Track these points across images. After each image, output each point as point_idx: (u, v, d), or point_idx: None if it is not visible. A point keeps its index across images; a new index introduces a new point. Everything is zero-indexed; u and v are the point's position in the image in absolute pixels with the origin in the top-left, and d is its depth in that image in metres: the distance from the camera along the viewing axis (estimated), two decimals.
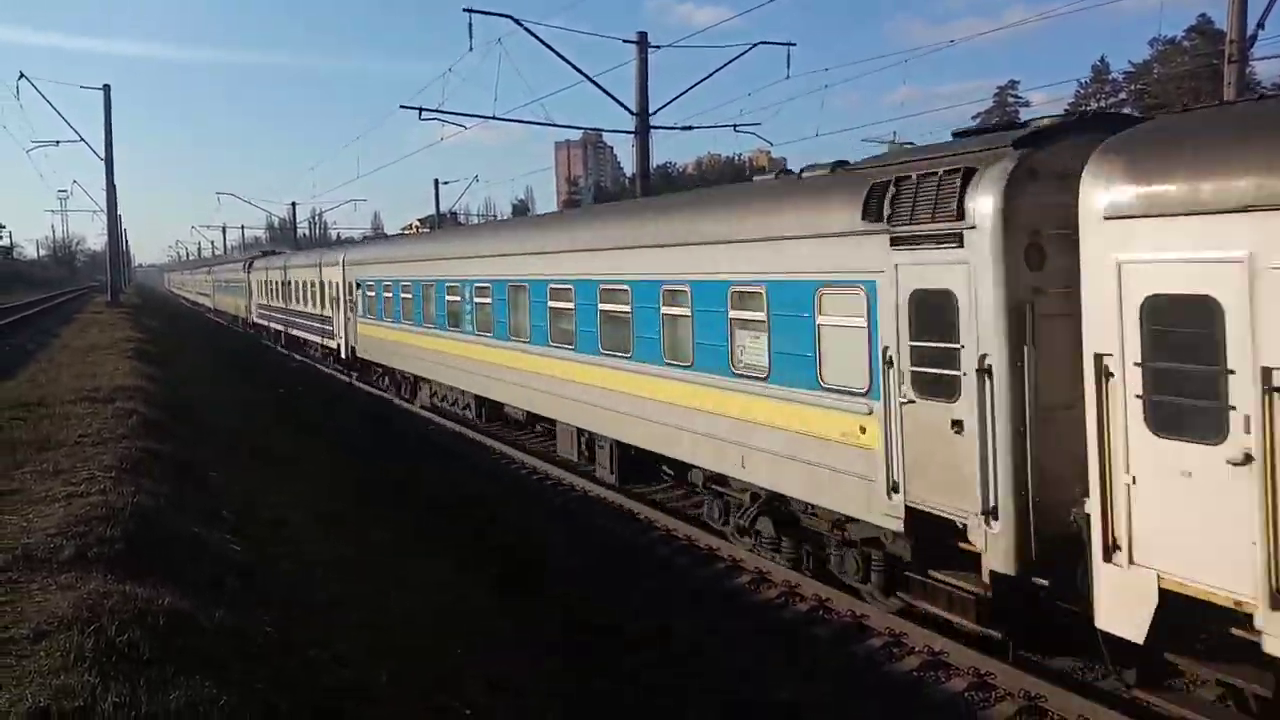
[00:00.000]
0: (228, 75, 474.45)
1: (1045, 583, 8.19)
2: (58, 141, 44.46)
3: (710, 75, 25.50)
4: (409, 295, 24.24)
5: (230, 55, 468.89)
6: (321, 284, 34.39)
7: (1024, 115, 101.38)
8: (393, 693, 6.09)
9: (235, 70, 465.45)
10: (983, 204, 8.33)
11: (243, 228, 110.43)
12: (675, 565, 12.58)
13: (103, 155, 43.61)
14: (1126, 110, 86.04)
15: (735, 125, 29.70)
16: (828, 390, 10.02)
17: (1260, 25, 17.02)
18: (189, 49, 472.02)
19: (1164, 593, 6.98)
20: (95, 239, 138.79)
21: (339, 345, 32.36)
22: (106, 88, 42.96)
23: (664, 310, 12.86)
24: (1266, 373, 6.30)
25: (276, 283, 43.52)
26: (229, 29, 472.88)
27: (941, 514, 8.83)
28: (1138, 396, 7.09)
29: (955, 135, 9.81)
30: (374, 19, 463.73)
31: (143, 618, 5.64)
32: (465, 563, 11.67)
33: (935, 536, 9.11)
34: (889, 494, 9.28)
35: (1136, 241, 7.05)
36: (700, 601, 11.15)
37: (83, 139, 43.42)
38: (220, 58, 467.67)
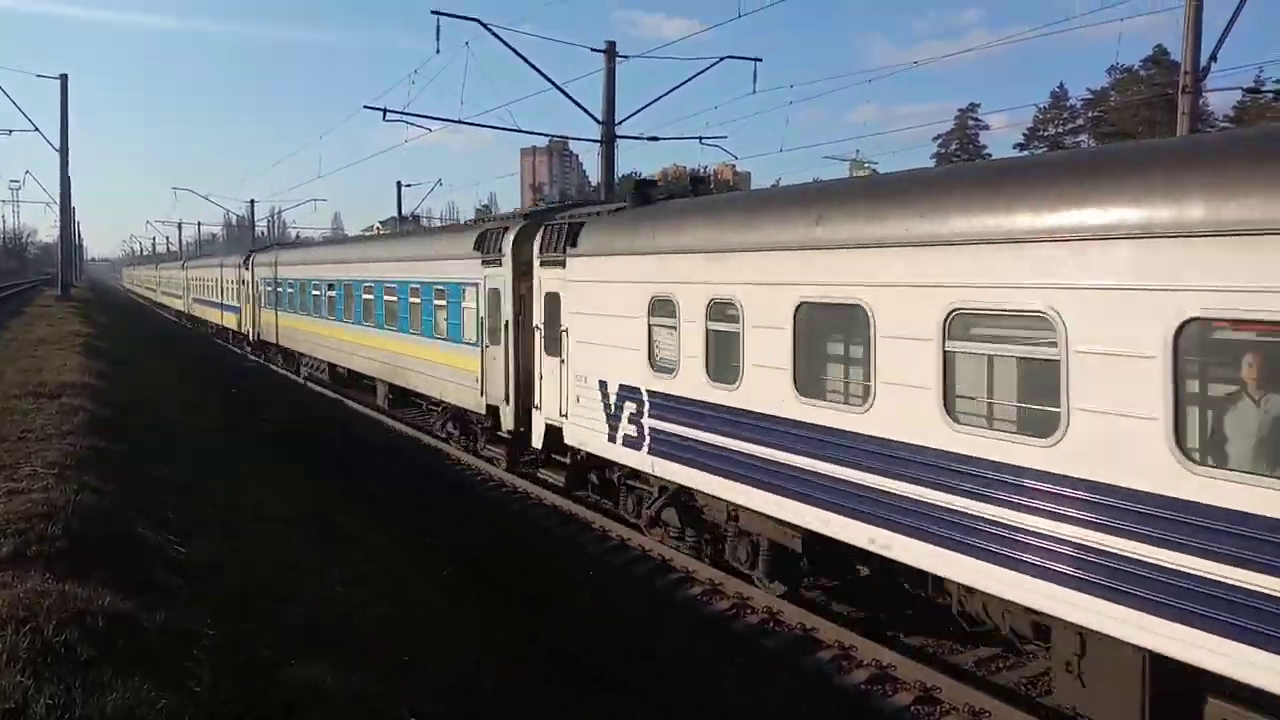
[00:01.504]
0: (192, 58, 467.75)
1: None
2: (10, 131, 43.53)
3: (677, 87, 25.66)
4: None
5: (202, 24, 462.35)
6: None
7: (983, 138, 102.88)
8: (338, 694, 5.99)
9: (198, 50, 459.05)
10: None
11: (199, 224, 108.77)
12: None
13: (57, 146, 42.79)
14: (1082, 138, 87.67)
15: (701, 137, 29.97)
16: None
17: (1213, 58, 17.49)
18: (163, 17, 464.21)
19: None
20: (48, 231, 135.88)
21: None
22: (64, 77, 42.15)
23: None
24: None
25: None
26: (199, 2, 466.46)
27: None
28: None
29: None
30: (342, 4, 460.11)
31: (81, 618, 5.51)
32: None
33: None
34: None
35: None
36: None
37: (37, 129, 42.61)
38: (182, 26, 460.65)
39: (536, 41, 53.84)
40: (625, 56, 25.73)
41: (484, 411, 17.73)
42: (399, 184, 59.47)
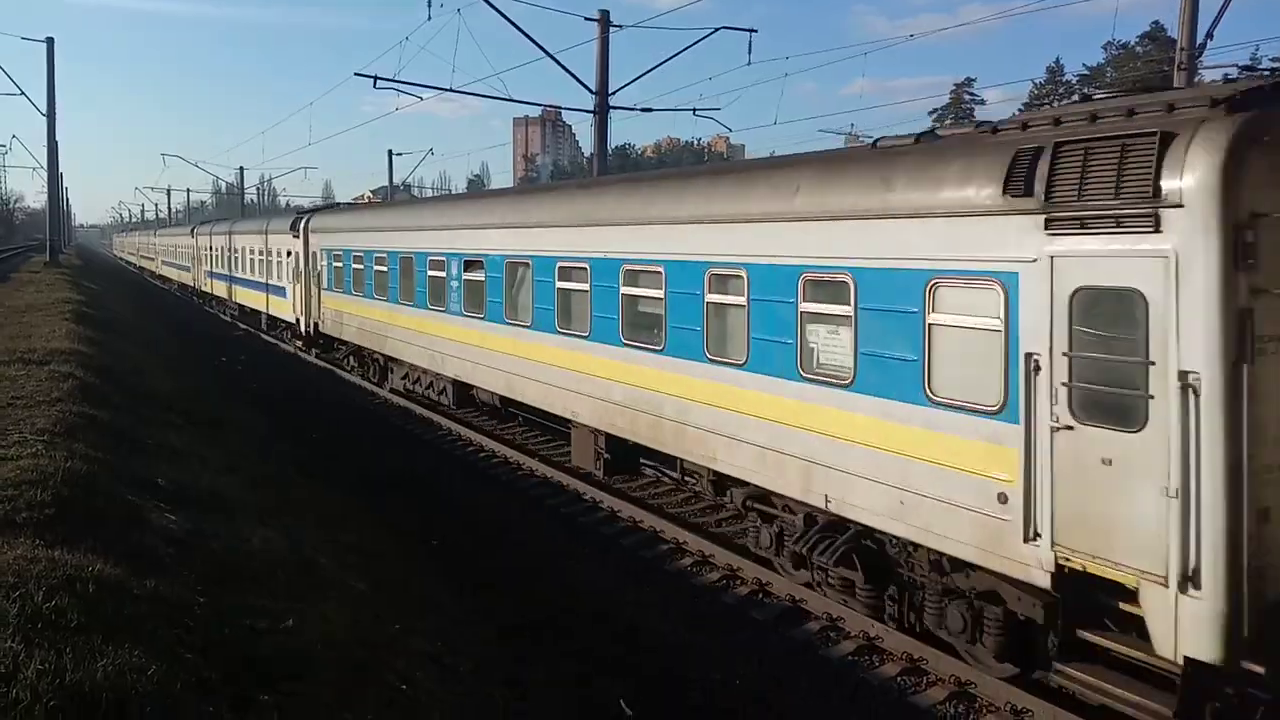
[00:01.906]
0: (179, 27, 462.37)
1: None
2: None
3: (671, 58, 25.49)
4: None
5: (181, 6, 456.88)
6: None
7: (979, 113, 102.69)
8: (327, 662, 6.04)
9: (186, 22, 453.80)
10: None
11: (188, 191, 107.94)
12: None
13: (44, 110, 42.35)
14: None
15: (695, 109, 29.77)
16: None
17: (1209, 35, 17.42)
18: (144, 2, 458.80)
19: None
20: (35, 197, 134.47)
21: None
22: (50, 40, 41.68)
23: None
24: None
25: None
26: None
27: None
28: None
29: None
30: None
31: (71, 584, 5.53)
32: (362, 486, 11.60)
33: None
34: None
35: None
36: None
37: (23, 92, 42.22)
38: (171, 8, 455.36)
39: (529, 9, 53.14)
40: (619, 26, 25.53)
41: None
42: (390, 153, 59.13)
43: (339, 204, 41.66)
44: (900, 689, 8.82)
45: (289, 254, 29.64)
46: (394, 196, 59.44)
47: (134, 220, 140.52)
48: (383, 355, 22.78)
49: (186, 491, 9.46)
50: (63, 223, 79.12)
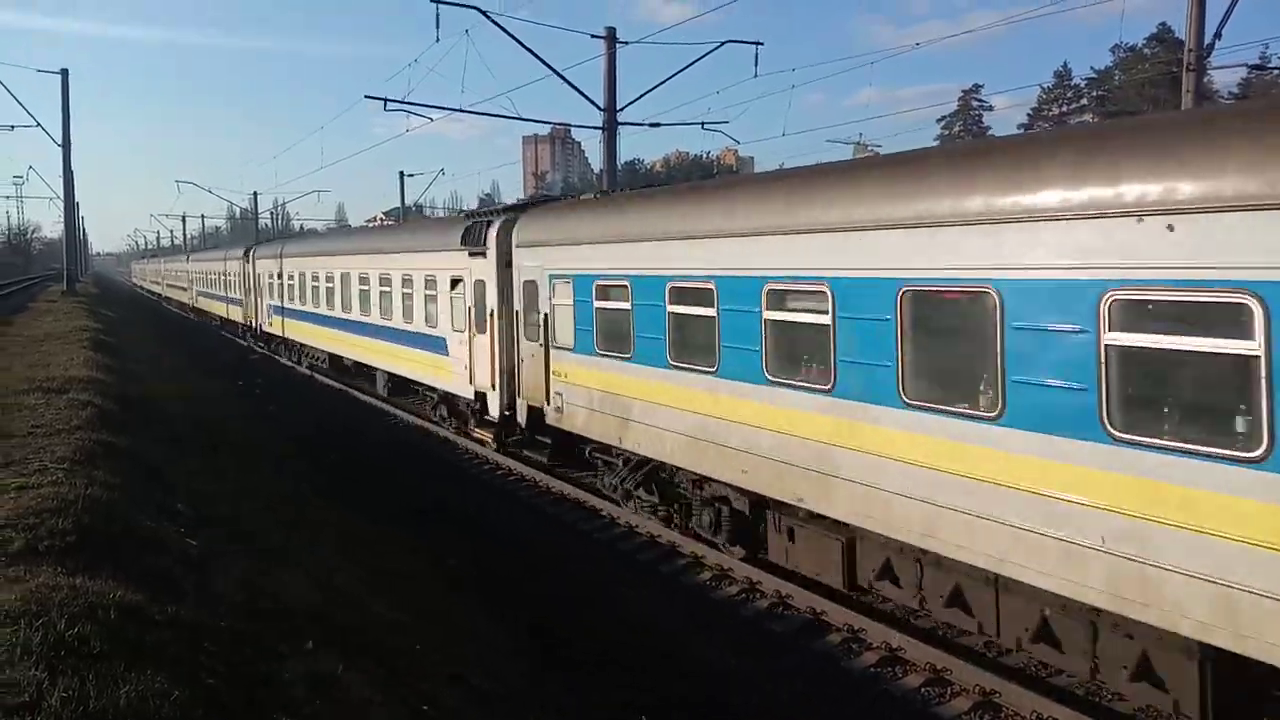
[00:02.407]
0: (190, 59, 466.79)
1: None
2: (13, 126, 43.46)
3: (678, 73, 25.53)
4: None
5: (192, 37, 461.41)
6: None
7: (987, 119, 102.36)
8: (350, 686, 6.03)
9: (198, 54, 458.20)
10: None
11: (202, 217, 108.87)
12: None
13: (60, 141, 42.79)
14: (1086, 117, 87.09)
15: (703, 123, 29.80)
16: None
17: (1218, 35, 17.40)
18: (150, 29, 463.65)
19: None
20: (52, 227, 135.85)
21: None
22: (64, 72, 42.13)
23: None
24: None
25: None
26: (193, 11, 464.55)
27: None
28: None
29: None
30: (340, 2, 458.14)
31: (93, 611, 5.54)
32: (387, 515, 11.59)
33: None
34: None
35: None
36: None
37: (39, 124, 42.59)
38: (181, 39, 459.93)
39: (536, 28, 53.66)
40: (625, 42, 25.63)
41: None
42: (401, 174, 59.44)
43: (555, 198, 24.72)
44: None
45: (455, 283, 19.37)
46: (405, 218, 59.73)
47: (151, 247, 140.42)
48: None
49: (206, 517, 9.48)
50: (79, 252, 79.84)
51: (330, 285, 28.78)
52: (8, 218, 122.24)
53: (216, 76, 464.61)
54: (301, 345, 34.78)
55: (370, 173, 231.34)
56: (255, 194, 78.57)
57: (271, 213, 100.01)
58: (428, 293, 20.75)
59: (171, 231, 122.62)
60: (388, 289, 23.50)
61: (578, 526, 14.58)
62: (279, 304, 36.32)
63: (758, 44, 25.46)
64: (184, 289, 66.88)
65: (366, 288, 25.21)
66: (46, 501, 7.69)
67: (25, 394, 13.52)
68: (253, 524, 10.12)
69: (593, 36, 25.24)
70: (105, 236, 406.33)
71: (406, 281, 22.14)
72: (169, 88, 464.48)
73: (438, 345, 20.26)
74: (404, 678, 6.86)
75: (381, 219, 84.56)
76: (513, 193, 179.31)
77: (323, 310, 29.83)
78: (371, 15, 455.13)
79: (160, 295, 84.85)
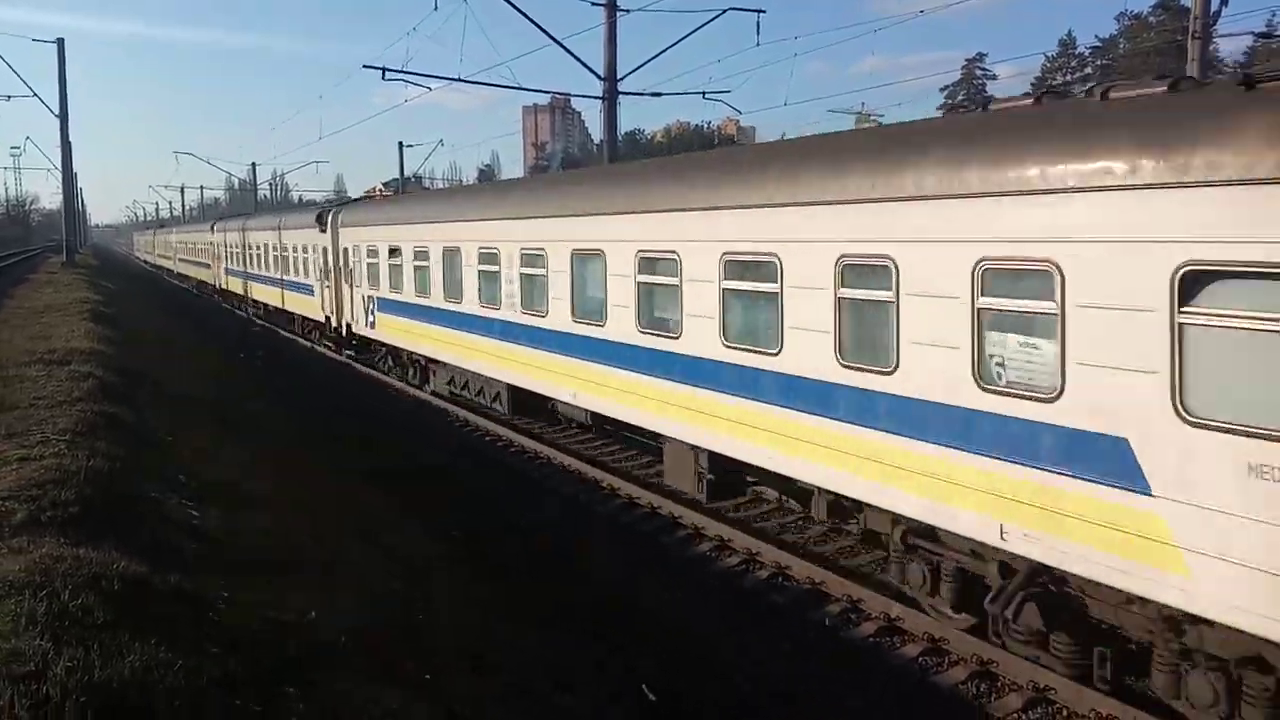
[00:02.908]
0: (185, 37, 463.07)
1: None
2: (9, 96, 43.24)
3: (679, 41, 25.29)
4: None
5: (185, 32, 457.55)
6: None
7: (991, 88, 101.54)
8: (351, 655, 6.08)
9: (197, 49, 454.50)
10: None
11: (201, 188, 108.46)
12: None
13: (57, 111, 42.54)
14: (1091, 85, 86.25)
15: (704, 92, 29.57)
16: None
17: (1224, 3, 17.20)
18: (153, 25, 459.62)
19: None
20: (50, 198, 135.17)
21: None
22: (60, 41, 41.88)
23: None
24: None
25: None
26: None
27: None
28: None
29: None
30: None
31: (96, 582, 5.58)
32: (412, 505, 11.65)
33: None
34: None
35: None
36: None
37: (35, 94, 42.34)
38: (177, 33, 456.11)
39: None
40: (626, 10, 25.35)
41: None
42: (400, 145, 59.11)
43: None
44: None
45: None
46: (405, 190, 59.47)
47: (150, 218, 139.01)
48: None
49: (208, 487, 9.52)
50: (78, 223, 79.58)
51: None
52: (5, 189, 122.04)
53: (216, 47, 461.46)
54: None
55: (369, 144, 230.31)
56: (254, 165, 78.39)
57: (270, 184, 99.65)
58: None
59: (170, 203, 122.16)
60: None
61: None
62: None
63: (760, 11, 25.21)
64: (206, 265, 52.51)
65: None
66: (49, 473, 7.73)
67: (26, 366, 13.55)
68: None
69: (593, 4, 24.98)
70: (104, 208, 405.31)
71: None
72: (166, 61, 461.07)
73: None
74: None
75: (380, 190, 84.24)
76: (513, 163, 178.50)
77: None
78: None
79: (170, 271, 71.93)
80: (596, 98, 25.63)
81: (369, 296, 23.61)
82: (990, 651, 8.70)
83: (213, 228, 51.97)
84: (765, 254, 10.02)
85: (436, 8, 24.07)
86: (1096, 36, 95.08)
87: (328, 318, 27.89)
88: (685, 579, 10.91)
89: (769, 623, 9.72)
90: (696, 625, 9.67)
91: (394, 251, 21.53)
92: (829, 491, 10.00)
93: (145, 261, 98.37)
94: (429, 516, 12.48)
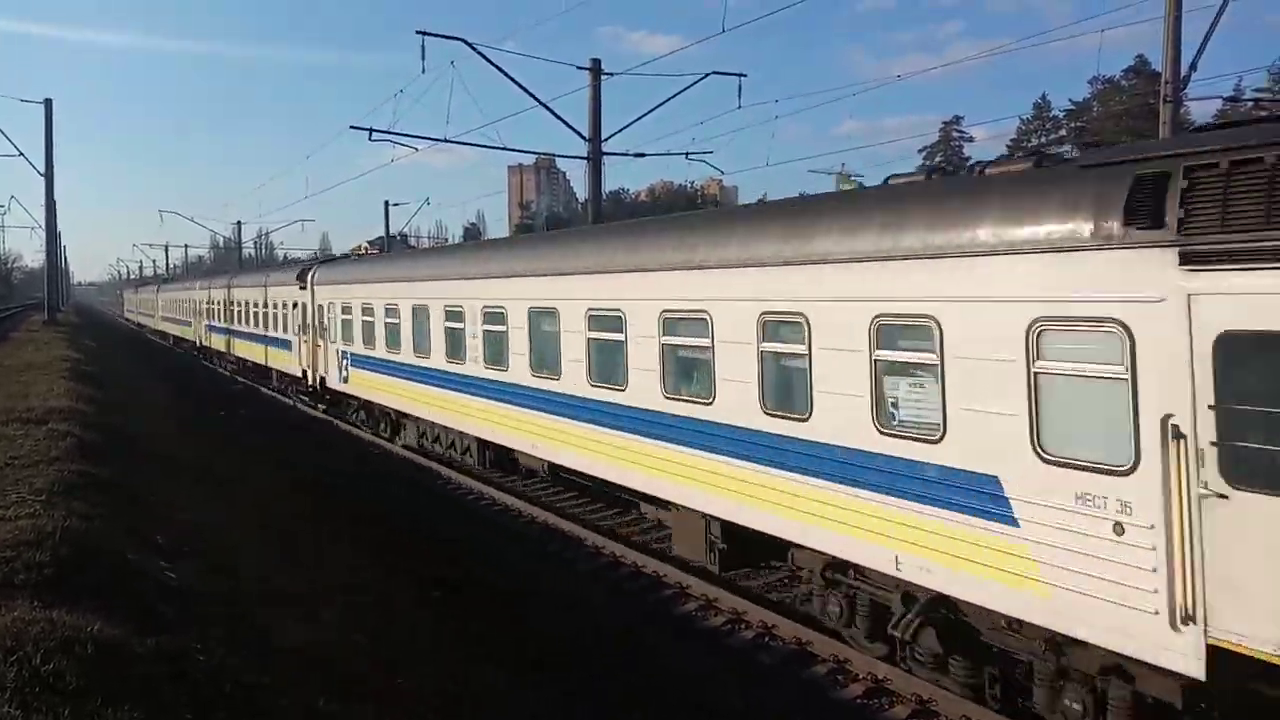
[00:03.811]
0: (175, 83, 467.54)
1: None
2: None
3: (663, 104, 25.74)
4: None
5: (176, 44, 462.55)
6: None
7: (967, 150, 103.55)
8: (329, 716, 5.95)
9: (181, 61, 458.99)
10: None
11: (185, 247, 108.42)
12: None
13: (42, 171, 42.67)
14: (1066, 148, 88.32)
15: (688, 153, 30.00)
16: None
17: (1193, 66, 17.63)
18: (137, 36, 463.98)
19: None
20: (33, 256, 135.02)
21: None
22: (48, 102, 42.11)
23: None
24: None
25: None
26: (179, 24, 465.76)
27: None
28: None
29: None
30: (324, 25, 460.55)
31: (69, 646, 5.45)
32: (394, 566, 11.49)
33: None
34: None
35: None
36: None
37: (21, 153, 42.50)
38: (167, 46, 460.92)
39: (521, 59, 53.95)
40: (610, 74, 25.81)
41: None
42: (386, 204, 59.50)
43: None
44: None
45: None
46: (391, 248, 59.67)
47: (134, 276, 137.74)
48: None
49: (186, 548, 9.37)
50: (61, 281, 79.35)
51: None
52: None
53: (200, 101, 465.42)
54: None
55: (354, 202, 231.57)
56: (239, 223, 78.55)
57: (255, 242, 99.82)
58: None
59: (155, 261, 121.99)
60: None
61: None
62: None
63: (741, 75, 25.71)
64: (188, 324, 51.34)
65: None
66: (23, 534, 7.59)
67: (4, 425, 13.38)
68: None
69: (578, 68, 25.45)
70: (87, 267, 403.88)
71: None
72: (153, 115, 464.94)
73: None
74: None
75: (366, 248, 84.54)
76: (498, 221, 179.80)
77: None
78: (359, 45, 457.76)
79: (159, 332, 65.94)
80: (581, 158, 25.95)
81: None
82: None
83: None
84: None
85: (424, 71, 24.39)
86: (1070, 100, 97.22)
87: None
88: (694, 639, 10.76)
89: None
90: None
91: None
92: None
93: (135, 323, 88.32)
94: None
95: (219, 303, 43.59)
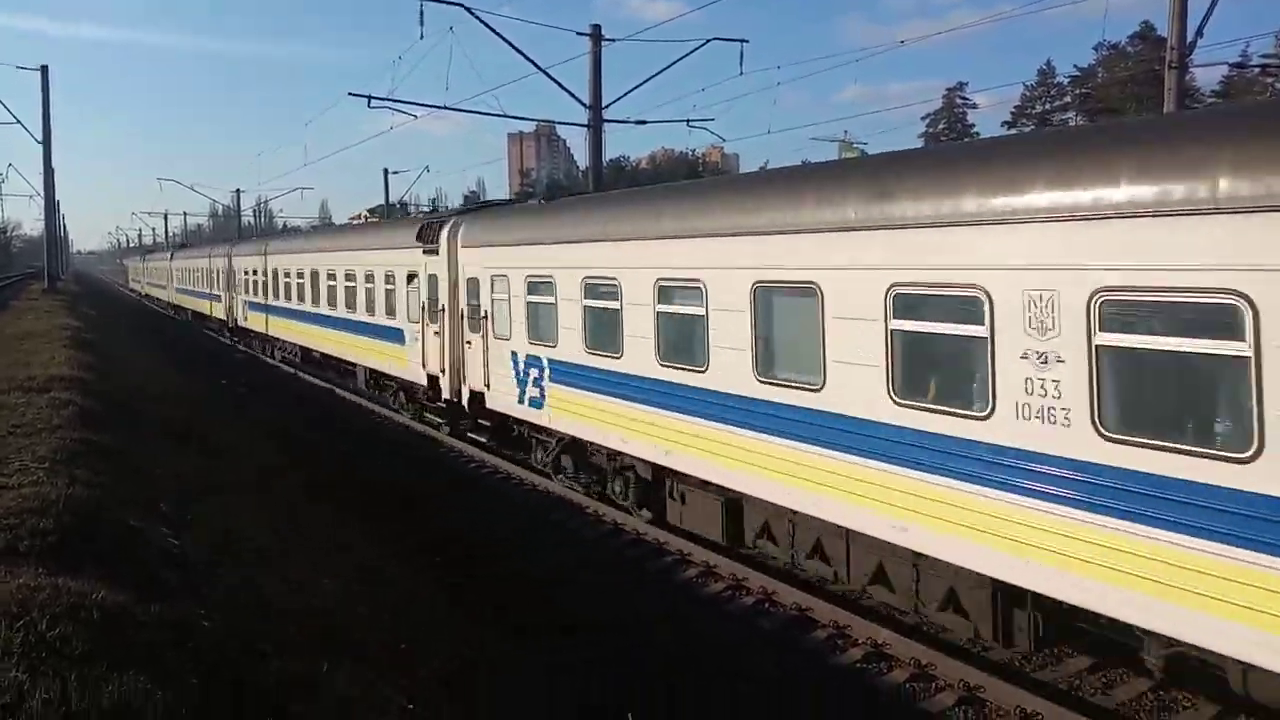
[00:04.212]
0: (170, 57, 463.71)
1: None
2: None
3: (663, 70, 25.51)
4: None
5: (172, 39, 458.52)
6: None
7: (971, 116, 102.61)
8: (334, 684, 6.00)
9: (177, 52, 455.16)
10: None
11: (184, 215, 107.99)
12: None
13: (40, 138, 42.41)
14: (1070, 115, 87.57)
15: (689, 120, 29.79)
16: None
17: (1199, 33, 17.50)
18: (131, 29, 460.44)
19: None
20: (32, 225, 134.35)
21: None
22: (44, 69, 41.79)
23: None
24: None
25: None
26: (171, 9, 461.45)
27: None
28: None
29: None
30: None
31: (75, 611, 5.49)
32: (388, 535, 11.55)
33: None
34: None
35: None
36: None
37: (19, 121, 42.24)
38: (162, 40, 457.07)
39: (521, 25, 53.54)
40: (611, 40, 25.57)
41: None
42: (386, 171, 59.21)
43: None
44: None
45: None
46: (390, 215, 59.38)
47: (129, 245, 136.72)
48: None
49: (188, 514, 9.42)
50: (60, 250, 79.08)
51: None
52: None
53: (199, 75, 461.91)
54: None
55: (354, 170, 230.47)
56: (238, 191, 78.16)
57: (255, 210, 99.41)
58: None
59: (154, 229, 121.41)
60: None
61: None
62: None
63: (743, 41, 25.48)
64: (213, 297, 45.19)
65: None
66: (28, 501, 7.63)
67: (6, 393, 13.40)
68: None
69: (578, 34, 25.21)
70: (86, 235, 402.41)
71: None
72: (151, 85, 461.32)
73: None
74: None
75: (365, 216, 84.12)
76: (498, 189, 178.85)
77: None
78: (356, 14, 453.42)
79: (174, 306, 60.42)
80: (582, 125, 25.79)
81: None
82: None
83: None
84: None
85: (422, 36, 24.18)
86: (1075, 66, 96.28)
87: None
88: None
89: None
90: None
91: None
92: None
93: (143, 295, 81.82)
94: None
95: (264, 274, 34.13)
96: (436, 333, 19.13)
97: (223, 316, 43.27)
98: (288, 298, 31.47)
